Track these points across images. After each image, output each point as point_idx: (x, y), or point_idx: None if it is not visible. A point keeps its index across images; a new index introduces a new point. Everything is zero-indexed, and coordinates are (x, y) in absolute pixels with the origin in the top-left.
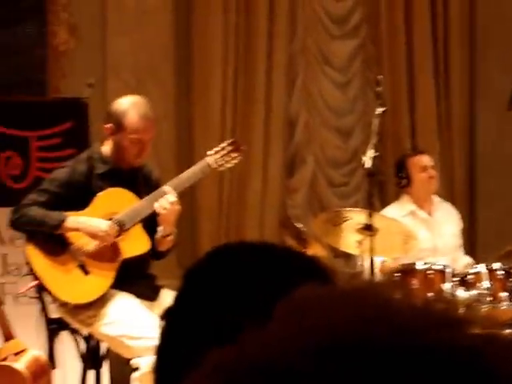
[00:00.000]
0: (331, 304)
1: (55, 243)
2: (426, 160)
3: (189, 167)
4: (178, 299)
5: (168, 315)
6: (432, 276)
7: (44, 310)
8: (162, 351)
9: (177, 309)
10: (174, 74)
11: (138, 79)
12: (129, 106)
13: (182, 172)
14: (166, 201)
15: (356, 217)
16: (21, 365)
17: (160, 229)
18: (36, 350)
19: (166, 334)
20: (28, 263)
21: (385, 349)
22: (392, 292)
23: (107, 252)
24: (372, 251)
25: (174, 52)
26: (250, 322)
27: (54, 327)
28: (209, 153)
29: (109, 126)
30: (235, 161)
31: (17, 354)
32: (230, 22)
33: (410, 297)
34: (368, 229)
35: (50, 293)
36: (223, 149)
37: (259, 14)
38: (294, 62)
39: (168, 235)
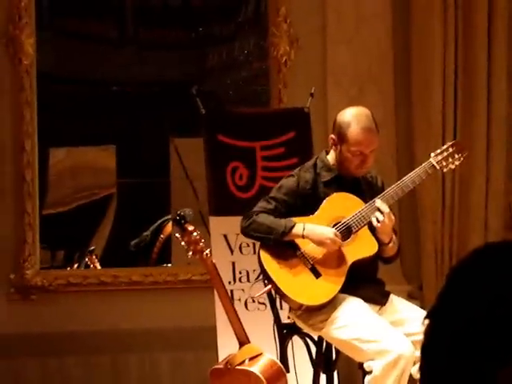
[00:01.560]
0: None
1: (286, 247)
2: None
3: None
4: (443, 298)
5: (433, 314)
6: None
7: (276, 314)
8: (429, 349)
9: (443, 308)
10: (394, 80)
11: (358, 87)
12: (352, 118)
13: (403, 177)
14: (380, 214)
15: None
16: (257, 369)
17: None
18: (270, 355)
19: (432, 333)
20: (261, 267)
21: None
22: None
23: (337, 256)
24: None
25: (394, 59)
26: None
27: (286, 332)
28: (432, 154)
29: (332, 136)
30: (458, 162)
31: (252, 358)
32: (449, 28)
33: None
34: None
35: (282, 295)
36: (446, 150)
37: (479, 20)
38: None
39: (387, 243)
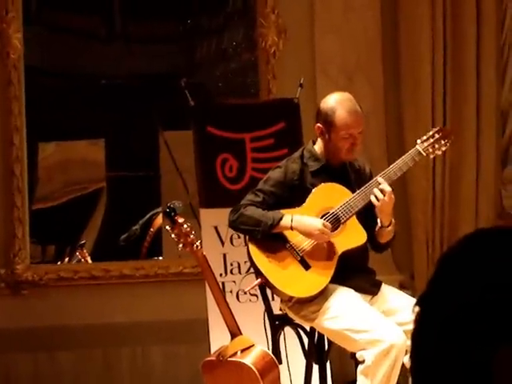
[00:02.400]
0: None
1: (275, 240)
2: None
3: None
4: (433, 284)
5: (423, 301)
6: None
7: (268, 306)
8: (418, 336)
9: (433, 294)
10: (382, 69)
11: (347, 77)
12: (335, 103)
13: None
14: (380, 192)
15: None
16: (249, 360)
17: (379, 220)
18: (262, 346)
19: (421, 320)
20: (250, 261)
21: None
22: None
23: (325, 246)
24: None
25: (382, 47)
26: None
27: (278, 323)
28: (418, 141)
29: (319, 125)
30: (445, 148)
31: (244, 350)
32: (437, 15)
33: None
34: None
35: (272, 288)
36: (432, 136)
37: (467, 7)
38: (504, 51)
39: (387, 226)
